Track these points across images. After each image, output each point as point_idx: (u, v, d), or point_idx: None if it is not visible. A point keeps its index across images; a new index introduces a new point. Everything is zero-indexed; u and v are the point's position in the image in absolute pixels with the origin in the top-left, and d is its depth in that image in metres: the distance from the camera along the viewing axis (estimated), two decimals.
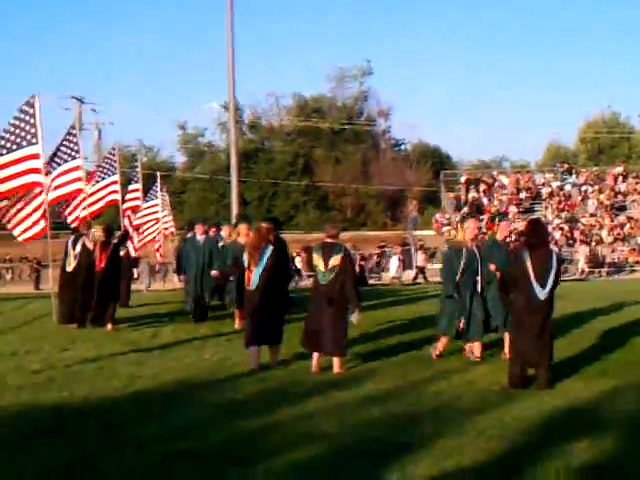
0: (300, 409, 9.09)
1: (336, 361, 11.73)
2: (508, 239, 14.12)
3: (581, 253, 42.56)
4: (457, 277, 12.29)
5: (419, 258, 43.36)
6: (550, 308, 10.50)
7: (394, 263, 43.12)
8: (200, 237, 18.94)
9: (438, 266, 43.78)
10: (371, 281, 41.10)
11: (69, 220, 21.36)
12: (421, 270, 42.58)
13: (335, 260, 11.76)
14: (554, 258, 10.59)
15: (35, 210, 18.24)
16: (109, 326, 17.23)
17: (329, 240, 12.12)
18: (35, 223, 18.30)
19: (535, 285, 10.33)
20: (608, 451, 7.30)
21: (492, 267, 12.60)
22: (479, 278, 12.45)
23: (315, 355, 11.90)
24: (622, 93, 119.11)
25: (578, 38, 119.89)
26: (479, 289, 12.48)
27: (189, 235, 20.16)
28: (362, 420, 8.55)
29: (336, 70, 79.60)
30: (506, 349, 12.19)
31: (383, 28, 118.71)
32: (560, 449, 7.27)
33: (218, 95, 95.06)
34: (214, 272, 17.98)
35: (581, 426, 8.10)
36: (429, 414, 8.77)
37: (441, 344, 12.61)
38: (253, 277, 12.15)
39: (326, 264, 11.80)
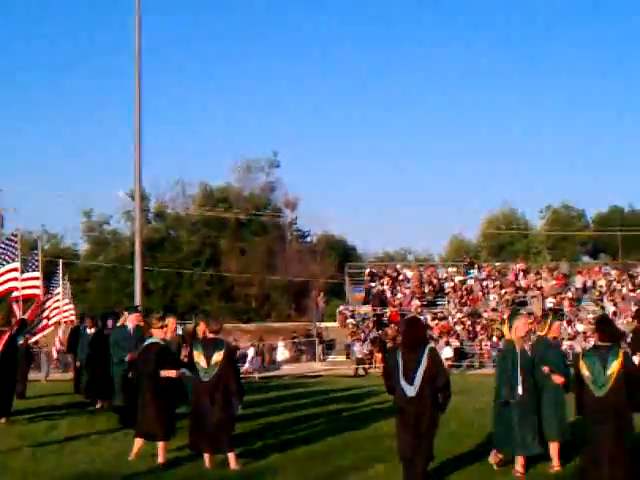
0: None
1: (231, 457, 11.63)
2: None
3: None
4: (512, 380, 11.25)
5: (357, 350, 41.05)
6: (427, 405, 10.34)
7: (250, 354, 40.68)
8: (131, 326, 17.25)
9: (338, 357, 43.73)
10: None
11: None
12: (360, 361, 40.12)
13: (218, 356, 11.76)
14: (425, 356, 10.42)
15: None
16: (3, 419, 16.74)
17: (211, 336, 12.13)
18: None
19: (403, 383, 10.39)
20: None
21: (546, 369, 11.64)
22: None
23: (206, 454, 11.76)
24: (519, 189, 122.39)
25: (479, 135, 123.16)
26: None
27: (116, 324, 18.88)
28: None
29: (242, 161, 80.00)
30: (554, 462, 11.55)
31: (289, 120, 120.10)
32: None
33: (124, 183, 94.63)
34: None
35: None
36: None
37: (496, 457, 11.65)
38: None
39: (208, 361, 11.78)
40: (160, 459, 11.88)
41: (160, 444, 11.98)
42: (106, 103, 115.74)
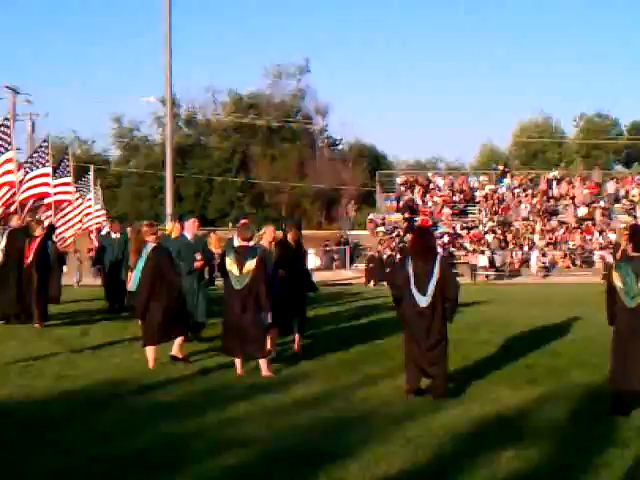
0: (228, 413, 9.04)
1: (263, 363, 11.64)
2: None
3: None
4: None
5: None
6: (438, 316, 10.23)
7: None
8: (190, 236, 15.32)
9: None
10: None
11: None
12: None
13: (250, 264, 11.64)
14: (437, 266, 10.27)
15: None
16: (37, 323, 16.93)
17: (243, 243, 12.06)
18: None
19: (415, 292, 10.23)
20: (534, 461, 7.34)
21: None
22: None
23: (237, 360, 11.81)
24: (554, 96, 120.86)
25: (513, 40, 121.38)
26: None
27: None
28: (290, 425, 8.52)
29: (273, 67, 79.20)
30: None
31: (321, 26, 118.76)
32: (487, 458, 7.30)
33: (155, 89, 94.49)
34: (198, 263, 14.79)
35: (508, 435, 8.15)
36: (358, 420, 8.77)
37: None
38: None
39: (240, 269, 11.68)
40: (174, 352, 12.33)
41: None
42: (138, 9, 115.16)
